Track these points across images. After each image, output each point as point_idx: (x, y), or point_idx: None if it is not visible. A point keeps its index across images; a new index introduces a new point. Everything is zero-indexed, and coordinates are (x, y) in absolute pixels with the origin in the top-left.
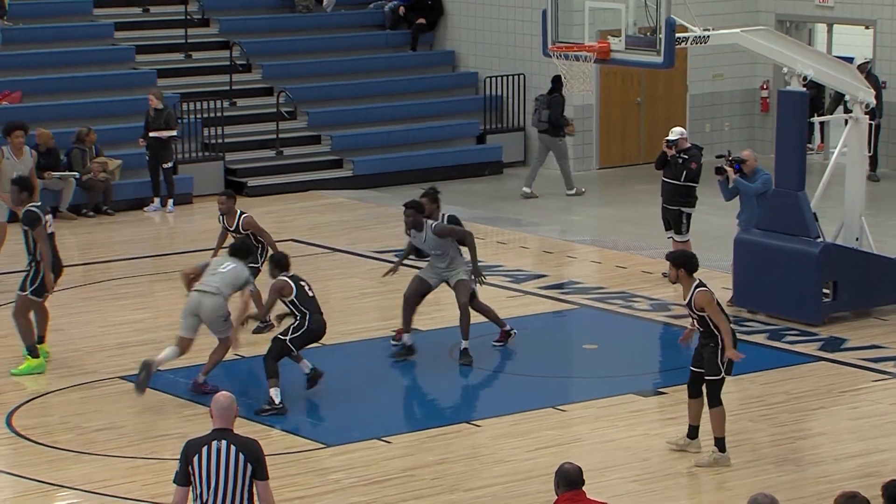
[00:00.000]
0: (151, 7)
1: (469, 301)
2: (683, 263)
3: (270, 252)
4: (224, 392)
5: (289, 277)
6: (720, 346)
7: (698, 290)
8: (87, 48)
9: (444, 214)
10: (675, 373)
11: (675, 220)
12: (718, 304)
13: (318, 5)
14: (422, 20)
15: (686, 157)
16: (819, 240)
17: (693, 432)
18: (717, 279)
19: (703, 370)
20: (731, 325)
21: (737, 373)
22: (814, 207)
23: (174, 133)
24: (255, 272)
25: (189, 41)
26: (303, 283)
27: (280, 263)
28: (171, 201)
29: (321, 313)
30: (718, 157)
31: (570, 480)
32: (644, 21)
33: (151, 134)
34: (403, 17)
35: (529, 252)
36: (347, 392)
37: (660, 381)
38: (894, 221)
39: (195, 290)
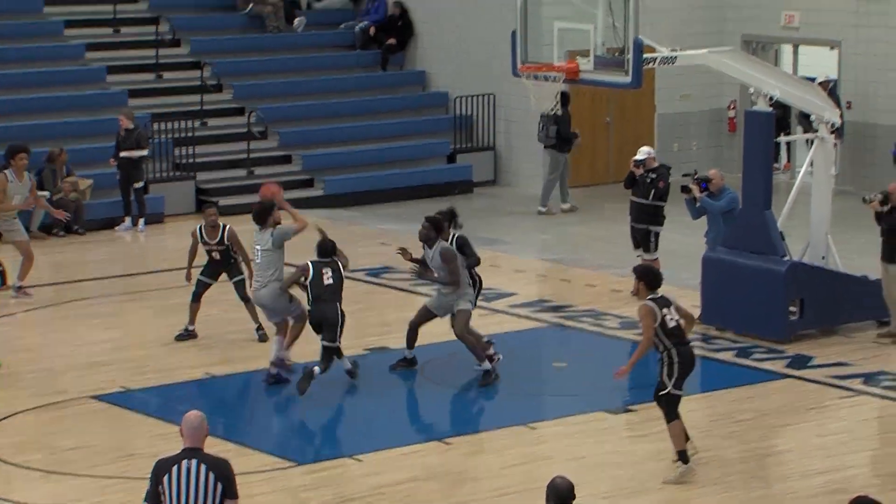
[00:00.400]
0: (122, 27)
1: (465, 326)
2: (645, 277)
3: (243, 265)
4: (194, 411)
5: (314, 262)
6: (666, 362)
7: (643, 303)
8: (58, 68)
9: (453, 235)
10: (644, 390)
11: (644, 239)
12: (664, 324)
13: (289, 26)
14: (392, 40)
15: (654, 176)
16: (786, 258)
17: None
18: (686, 297)
19: None
20: (692, 346)
21: (705, 390)
22: (780, 226)
23: (145, 153)
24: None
25: (160, 61)
26: (326, 269)
27: (320, 248)
28: (142, 221)
29: (323, 301)
30: (685, 175)
31: (559, 496)
32: (612, 42)
33: (122, 154)
34: (374, 37)
35: (500, 271)
36: (319, 410)
37: (629, 398)
38: (860, 240)
39: (251, 291)
